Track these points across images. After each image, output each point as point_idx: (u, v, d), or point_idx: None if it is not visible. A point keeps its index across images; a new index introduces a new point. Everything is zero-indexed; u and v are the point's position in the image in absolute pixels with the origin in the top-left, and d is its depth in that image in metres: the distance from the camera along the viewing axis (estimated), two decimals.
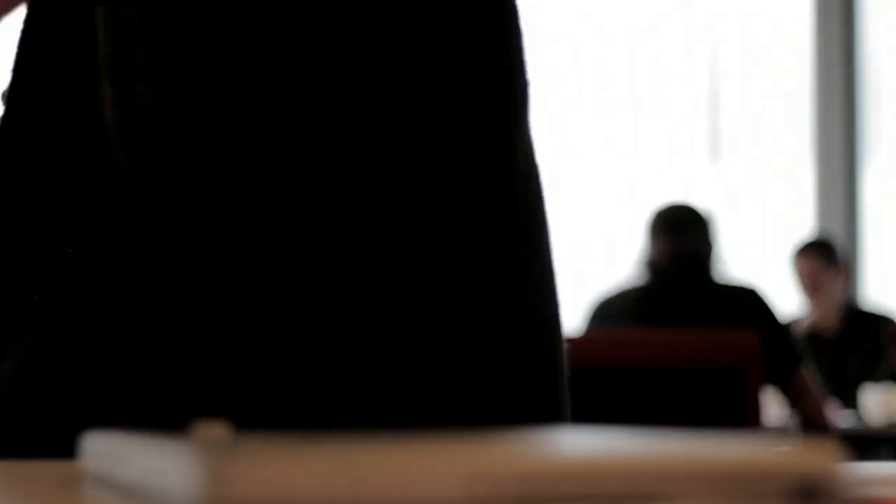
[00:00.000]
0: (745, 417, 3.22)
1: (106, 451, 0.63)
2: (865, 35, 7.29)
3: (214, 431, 0.61)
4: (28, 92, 1.13)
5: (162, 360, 1.00)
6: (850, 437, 4.52)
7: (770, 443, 0.51)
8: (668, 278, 3.76)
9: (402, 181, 1.03)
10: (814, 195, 7.23)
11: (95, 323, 1.02)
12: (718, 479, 0.50)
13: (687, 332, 3.50)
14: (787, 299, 5.91)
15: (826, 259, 5.50)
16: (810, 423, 3.69)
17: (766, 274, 6.96)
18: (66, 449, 0.90)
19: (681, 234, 3.80)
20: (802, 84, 7.33)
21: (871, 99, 7.28)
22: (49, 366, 1.03)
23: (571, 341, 3.50)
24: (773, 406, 4.85)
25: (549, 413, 1.18)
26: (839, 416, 4.82)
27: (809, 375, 3.68)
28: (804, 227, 7.02)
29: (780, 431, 4.58)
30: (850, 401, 5.08)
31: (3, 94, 1.15)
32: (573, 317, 3.99)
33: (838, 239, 5.97)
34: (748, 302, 3.66)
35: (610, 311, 3.82)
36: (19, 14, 1.24)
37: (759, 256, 7.21)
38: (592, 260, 6.91)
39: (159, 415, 1.00)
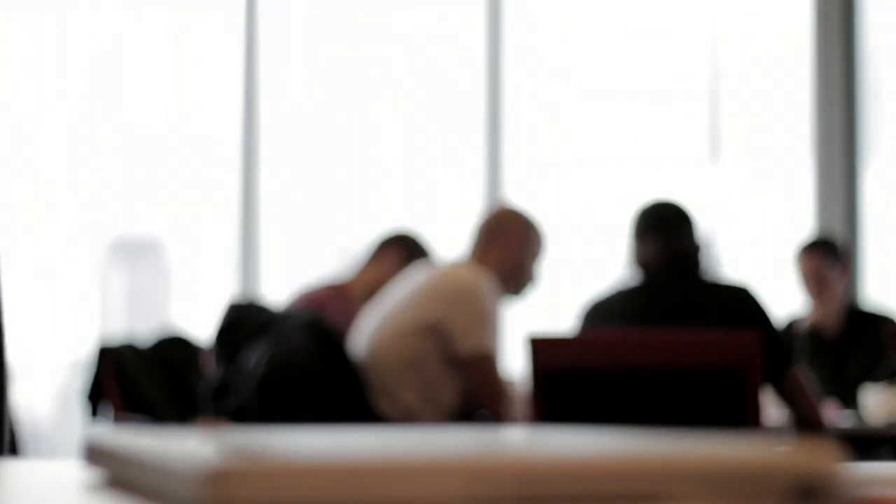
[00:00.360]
0: (744, 417, 3.22)
1: (109, 451, 0.63)
2: (865, 35, 7.29)
3: (216, 431, 0.61)
4: None
5: None
6: (850, 437, 4.52)
7: (770, 443, 0.51)
8: (659, 279, 3.75)
9: None
10: (814, 195, 7.23)
11: None
12: (718, 479, 0.50)
13: (686, 333, 3.50)
14: (787, 299, 5.90)
15: (831, 258, 5.50)
16: (805, 422, 3.68)
17: (766, 274, 6.96)
18: None
19: (669, 233, 3.78)
20: (802, 84, 7.33)
21: (871, 99, 7.28)
22: None
23: (574, 342, 3.50)
24: (773, 406, 4.85)
25: None
26: (839, 416, 4.81)
27: (803, 374, 3.68)
28: (804, 227, 7.02)
29: (780, 431, 4.58)
30: (850, 401, 5.08)
31: None
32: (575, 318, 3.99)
33: (838, 239, 5.96)
34: (740, 301, 3.65)
35: (602, 313, 3.81)
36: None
37: (758, 256, 7.21)
38: (592, 260, 6.91)
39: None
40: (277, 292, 5.94)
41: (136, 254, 7.12)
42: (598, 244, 7.10)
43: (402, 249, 4.60)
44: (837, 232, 6.84)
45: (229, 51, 7.05)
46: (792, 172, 7.35)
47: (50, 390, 6.92)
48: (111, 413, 4.22)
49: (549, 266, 4.24)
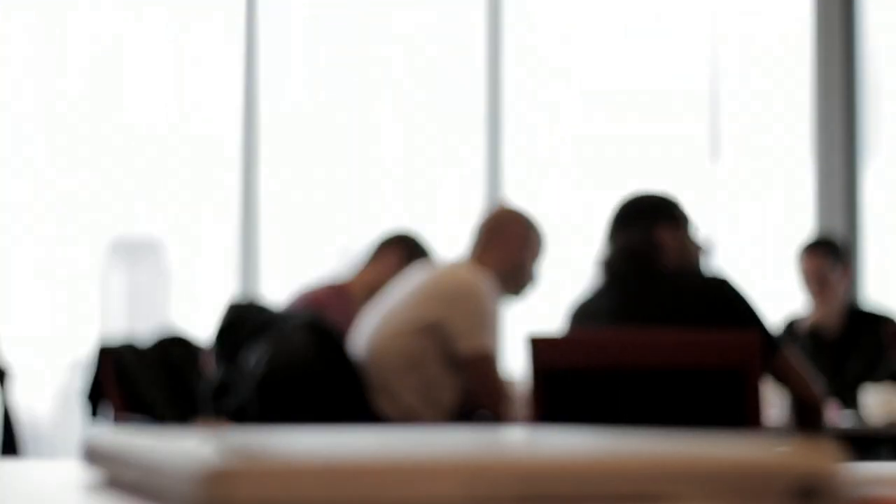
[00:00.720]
0: (743, 418, 3.22)
1: (109, 451, 0.63)
2: (865, 35, 7.29)
3: (216, 431, 0.61)
4: None
5: None
6: (850, 437, 4.52)
7: (770, 443, 0.51)
8: (618, 276, 3.74)
9: None
10: (814, 195, 7.23)
11: None
12: (718, 479, 0.50)
13: (685, 333, 3.49)
14: (787, 299, 5.90)
15: (832, 258, 5.50)
16: (803, 402, 3.67)
17: (766, 274, 6.97)
18: None
19: (626, 228, 3.77)
20: (802, 84, 7.33)
21: (871, 99, 7.28)
22: None
23: (574, 342, 3.49)
24: (772, 406, 4.85)
25: None
26: (839, 416, 4.82)
27: (793, 355, 3.66)
28: (804, 227, 7.02)
29: (780, 431, 4.58)
30: (850, 401, 5.08)
31: None
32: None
33: (838, 239, 5.96)
34: (716, 293, 3.63)
35: (584, 313, 3.82)
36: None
37: (758, 256, 7.21)
38: (592, 260, 6.90)
39: None
40: (277, 292, 5.94)
41: (136, 254, 7.12)
42: (598, 244, 7.09)
43: (402, 249, 4.60)
44: (837, 232, 6.84)
45: (229, 51, 7.05)
46: (792, 172, 7.35)
47: (50, 390, 6.92)
48: (111, 413, 4.22)
49: (550, 266, 4.24)
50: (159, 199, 6.95)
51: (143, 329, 5.87)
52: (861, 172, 7.23)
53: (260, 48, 7.04)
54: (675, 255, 3.75)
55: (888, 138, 7.27)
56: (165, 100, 7.03)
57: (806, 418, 3.70)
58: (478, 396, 3.97)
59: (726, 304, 3.60)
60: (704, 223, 7.16)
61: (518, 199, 6.66)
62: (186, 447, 0.53)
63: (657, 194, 3.87)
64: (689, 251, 3.78)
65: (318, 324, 3.89)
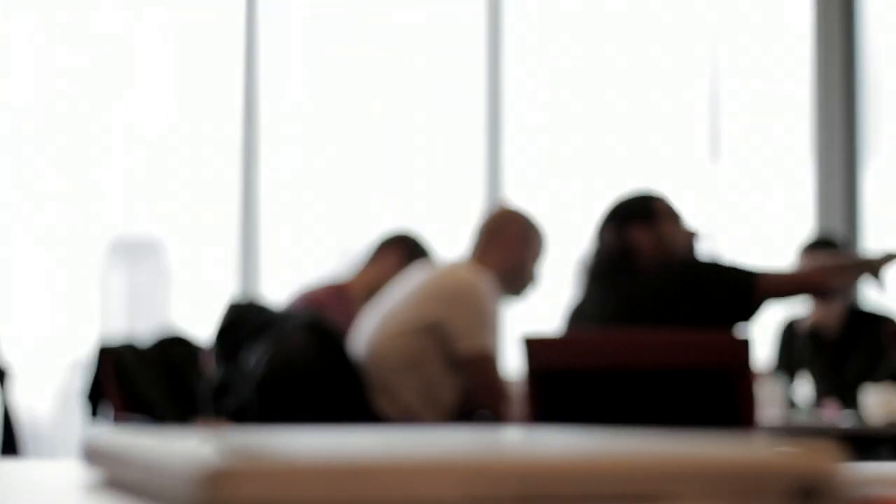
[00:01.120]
0: (738, 417, 3.22)
1: (109, 451, 0.63)
2: (865, 35, 7.29)
3: (216, 431, 0.61)
4: None
5: None
6: (850, 437, 4.52)
7: (769, 443, 0.51)
8: (595, 279, 3.81)
9: None
10: (814, 195, 7.23)
11: None
12: (718, 479, 0.50)
13: (681, 333, 3.50)
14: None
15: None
16: (808, 285, 3.73)
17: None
18: None
19: (601, 232, 3.85)
20: (802, 84, 7.33)
21: (871, 99, 7.28)
22: None
23: (569, 342, 3.49)
24: (767, 406, 4.85)
25: None
26: (839, 416, 4.82)
27: (770, 272, 3.71)
28: (804, 227, 7.02)
29: (776, 431, 4.58)
30: (850, 401, 5.08)
31: None
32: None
33: (838, 239, 5.96)
34: (687, 273, 3.70)
35: (578, 316, 3.86)
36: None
37: (759, 256, 7.21)
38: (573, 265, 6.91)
39: None
40: (277, 292, 5.94)
41: (136, 254, 7.12)
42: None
43: (402, 249, 4.60)
44: (837, 232, 6.84)
45: (229, 51, 7.05)
46: (792, 172, 7.35)
47: (50, 390, 6.92)
48: (111, 413, 4.22)
49: (550, 266, 4.24)
50: (159, 199, 6.95)
51: (143, 329, 5.87)
52: (861, 172, 7.23)
53: (260, 48, 7.04)
54: (653, 251, 3.79)
55: (888, 138, 7.27)
56: (165, 100, 7.03)
57: (816, 289, 3.75)
58: (478, 396, 3.97)
59: (695, 277, 3.66)
60: (704, 223, 7.16)
61: (518, 199, 6.66)
62: (186, 447, 0.53)
63: (634, 194, 3.92)
64: (671, 244, 3.82)
65: (318, 324, 3.89)
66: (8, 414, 3.55)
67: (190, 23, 7.08)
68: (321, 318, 3.94)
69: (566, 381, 3.35)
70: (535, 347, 3.36)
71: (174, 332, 4.43)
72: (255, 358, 3.83)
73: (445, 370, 3.95)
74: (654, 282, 3.73)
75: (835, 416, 4.85)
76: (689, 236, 3.85)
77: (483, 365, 3.92)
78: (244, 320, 3.94)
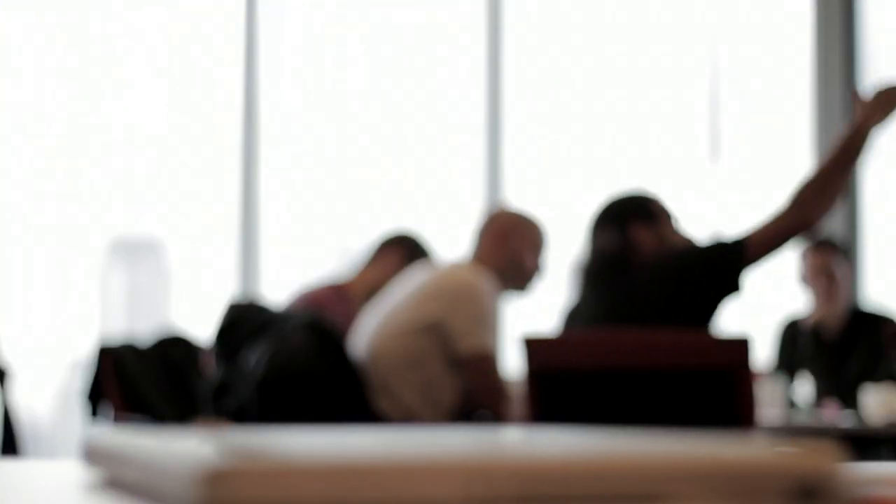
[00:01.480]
0: (736, 418, 3.22)
1: (109, 451, 0.63)
2: (865, 35, 7.29)
3: (216, 431, 0.61)
4: None
5: None
6: (850, 437, 4.52)
7: (769, 443, 0.51)
8: (594, 280, 3.82)
9: None
10: None
11: None
12: (718, 479, 0.50)
13: (680, 334, 3.50)
14: (786, 299, 5.90)
15: (839, 256, 5.51)
16: (793, 222, 3.75)
17: (765, 274, 6.96)
18: None
19: (598, 232, 3.86)
20: (802, 84, 7.33)
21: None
22: None
23: (568, 342, 3.49)
24: (766, 406, 4.85)
25: None
26: (839, 416, 4.82)
27: (754, 230, 3.74)
28: None
29: (776, 431, 4.58)
30: (850, 401, 5.08)
31: None
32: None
33: (838, 239, 5.96)
34: (676, 261, 3.73)
35: (571, 318, 3.87)
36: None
37: None
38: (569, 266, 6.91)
39: None
40: (277, 292, 5.94)
41: (136, 254, 7.12)
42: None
43: (403, 250, 4.60)
44: (837, 232, 6.84)
45: (229, 51, 7.05)
46: (792, 172, 7.35)
47: (50, 390, 6.92)
48: (111, 413, 4.22)
49: (550, 266, 4.24)
50: (159, 199, 6.95)
51: (143, 329, 5.87)
52: (861, 172, 7.23)
53: (260, 48, 7.04)
54: (653, 251, 3.81)
55: (888, 138, 7.27)
56: (165, 100, 7.03)
57: (804, 224, 3.75)
58: (478, 396, 3.97)
59: (688, 262, 3.69)
60: (705, 223, 7.16)
61: (518, 199, 6.66)
62: (186, 447, 0.53)
63: (630, 194, 3.93)
64: (669, 245, 3.84)
65: (318, 324, 3.89)
66: (8, 414, 3.54)
67: (190, 23, 7.08)
68: (321, 318, 3.94)
69: (566, 381, 3.34)
70: (535, 347, 3.36)
71: (174, 332, 4.43)
72: (255, 358, 3.83)
73: (446, 370, 3.95)
74: (652, 277, 3.74)
75: (835, 416, 4.85)
76: (684, 239, 3.87)
77: (483, 365, 3.92)
78: (244, 320, 3.94)
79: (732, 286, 3.70)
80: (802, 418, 4.78)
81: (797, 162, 7.33)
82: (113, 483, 0.62)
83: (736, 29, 7.49)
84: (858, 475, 0.67)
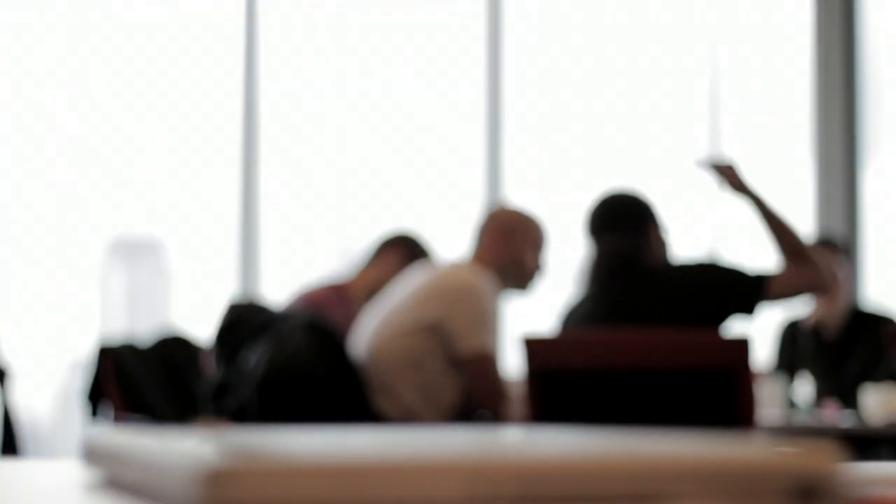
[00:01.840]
0: (736, 418, 3.22)
1: (109, 451, 0.63)
2: (865, 35, 7.29)
3: (216, 431, 0.61)
4: None
5: None
6: (850, 437, 4.52)
7: (769, 443, 0.51)
8: (606, 279, 3.81)
9: None
10: (814, 195, 7.23)
11: None
12: (718, 479, 0.50)
13: (680, 334, 3.50)
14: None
15: (839, 256, 5.51)
16: (809, 282, 3.76)
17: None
18: None
19: (612, 230, 3.85)
20: (802, 84, 7.33)
21: (871, 99, 7.28)
22: None
23: (568, 343, 3.49)
24: (768, 406, 4.85)
25: None
26: (839, 416, 4.82)
27: (776, 274, 3.73)
28: (804, 227, 7.02)
29: (776, 431, 4.58)
30: (850, 401, 5.08)
31: None
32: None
33: (838, 239, 5.96)
34: (701, 274, 3.72)
35: (572, 318, 3.86)
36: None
37: (759, 257, 7.21)
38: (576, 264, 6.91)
39: None
40: (277, 292, 5.93)
41: (136, 254, 7.12)
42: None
43: (403, 249, 4.60)
44: (837, 232, 6.84)
45: (229, 51, 7.05)
46: (792, 172, 7.35)
47: (50, 390, 6.92)
48: (111, 413, 4.22)
49: (550, 266, 4.24)
50: (159, 199, 6.95)
51: (143, 329, 5.87)
52: (861, 172, 7.23)
53: (260, 48, 7.04)
54: (660, 252, 3.82)
55: (888, 138, 7.27)
56: (165, 99, 7.04)
57: (817, 285, 3.74)
58: (478, 396, 3.97)
59: (708, 278, 3.69)
60: (704, 223, 7.16)
61: (518, 199, 6.66)
62: (186, 447, 0.53)
63: (636, 194, 3.93)
64: (665, 247, 3.87)
65: (318, 324, 3.89)
66: (8, 414, 3.54)
67: (190, 23, 7.08)
68: (321, 319, 3.94)
69: (566, 381, 3.34)
70: (535, 347, 3.36)
71: (174, 332, 4.43)
72: (255, 358, 3.83)
73: (446, 370, 3.95)
74: (666, 284, 3.73)
75: (835, 416, 4.85)
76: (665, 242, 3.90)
77: (483, 365, 3.92)
78: (244, 320, 3.94)
79: (744, 315, 3.71)
80: (802, 418, 4.78)
81: (797, 162, 7.33)
82: (113, 483, 0.62)
83: (736, 29, 7.49)
84: (858, 475, 0.67)
